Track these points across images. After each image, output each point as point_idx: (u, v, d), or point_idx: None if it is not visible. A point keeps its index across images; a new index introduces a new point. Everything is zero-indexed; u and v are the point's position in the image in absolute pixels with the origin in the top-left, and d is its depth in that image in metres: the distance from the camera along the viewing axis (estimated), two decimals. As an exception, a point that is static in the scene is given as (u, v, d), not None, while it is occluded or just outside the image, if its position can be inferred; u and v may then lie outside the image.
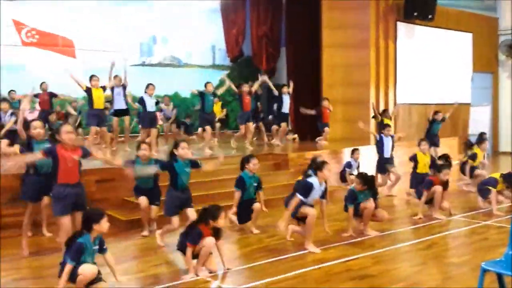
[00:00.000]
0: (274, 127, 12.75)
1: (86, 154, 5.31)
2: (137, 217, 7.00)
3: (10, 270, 5.41)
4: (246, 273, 5.27)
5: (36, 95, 12.08)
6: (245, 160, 7.01)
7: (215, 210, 5.20)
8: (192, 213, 6.07)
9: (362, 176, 6.75)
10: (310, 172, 6.22)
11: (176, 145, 6.10)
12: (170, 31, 17.24)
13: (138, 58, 16.81)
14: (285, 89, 12.50)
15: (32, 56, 14.57)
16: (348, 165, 10.00)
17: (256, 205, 6.95)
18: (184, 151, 6.03)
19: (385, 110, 12.21)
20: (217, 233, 5.27)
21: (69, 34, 15.00)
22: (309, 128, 13.68)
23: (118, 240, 6.52)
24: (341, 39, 13.86)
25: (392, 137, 9.71)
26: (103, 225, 4.54)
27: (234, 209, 6.98)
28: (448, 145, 12.50)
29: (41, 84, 12.35)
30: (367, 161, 10.31)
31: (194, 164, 6.17)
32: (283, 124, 12.46)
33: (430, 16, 14.59)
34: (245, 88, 11.81)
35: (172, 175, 6.05)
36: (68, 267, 4.35)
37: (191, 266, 5.16)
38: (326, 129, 12.52)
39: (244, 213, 6.97)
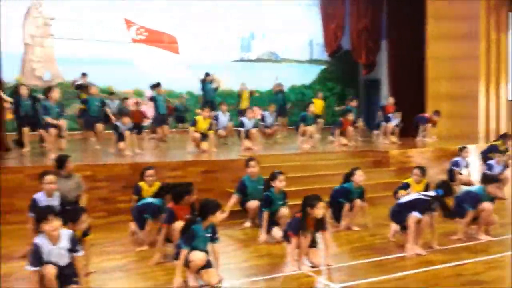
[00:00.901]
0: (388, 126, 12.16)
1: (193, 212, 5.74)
2: (238, 208, 7.15)
3: (126, 252, 5.80)
4: (348, 271, 5.19)
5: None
6: (350, 174, 6.92)
7: (313, 199, 5.20)
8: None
9: (499, 180, 6.46)
10: (437, 192, 5.93)
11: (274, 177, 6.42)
12: (269, 26, 17.39)
13: (238, 54, 17.18)
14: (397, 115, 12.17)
15: (140, 52, 15.43)
16: (456, 163, 9.44)
17: (357, 201, 6.83)
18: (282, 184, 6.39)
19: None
20: (321, 225, 5.25)
21: (173, 31, 15.72)
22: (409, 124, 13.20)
23: (220, 229, 6.68)
24: (448, 31, 13.16)
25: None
26: (217, 217, 4.74)
27: (344, 223, 6.86)
28: None
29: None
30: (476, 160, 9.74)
31: None
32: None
33: (548, 5, 13.38)
34: (350, 117, 11.54)
35: None
36: (183, 251, 4.61)
37: (292, 258, 5.18)
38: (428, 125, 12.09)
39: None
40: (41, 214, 4.34)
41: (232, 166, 8.23)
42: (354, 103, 12.88)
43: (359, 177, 6.80)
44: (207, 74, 12.97)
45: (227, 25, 16.55)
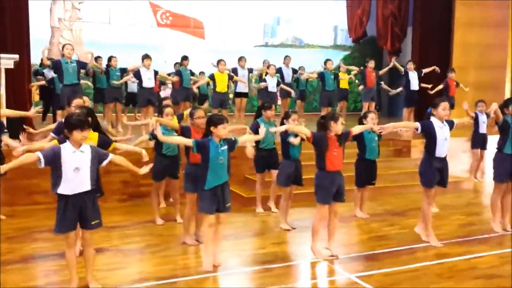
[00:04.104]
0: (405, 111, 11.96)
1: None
2: (251, 195, 7.29)
3: (147, 235, 5.97)
4: (363, 261, 5.24)
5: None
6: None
7: (334, 114, 5.23)
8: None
9: None
10: None
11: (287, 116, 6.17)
12: (294, 11, 17.27)
13: (262, 39, 17.15)
14: (410, 65, 11.76)
15: (165, 37, 15.53)
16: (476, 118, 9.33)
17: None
18: (295, 123, 6.04)
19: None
20: (343, 138, 5.16)
21: (199, 16, 15.77)
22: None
23: (239, 215, 6.83)
24: (477, 18, 12.93)
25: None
26: (220, 130, 4.70)
27: None
28: None
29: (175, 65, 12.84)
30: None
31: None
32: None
33: None
34: (371, 64, 11.65)
35: None
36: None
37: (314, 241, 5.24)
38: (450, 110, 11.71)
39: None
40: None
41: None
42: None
43: (371, 120, 6.62)
44: (184, 58, 11.39)
45: (252, 10, 16.49)
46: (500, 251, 5.50)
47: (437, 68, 11.58)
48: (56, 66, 8.70)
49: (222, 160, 4.73)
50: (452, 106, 11.64)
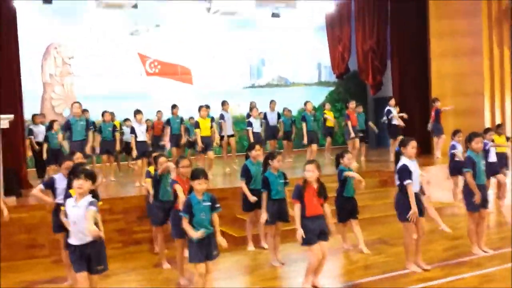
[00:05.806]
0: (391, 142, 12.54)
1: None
2: (242, 235, 7.54)
3: (142, 281, 6.18)
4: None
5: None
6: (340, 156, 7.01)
7: (306, 163, 5.53)
8: None
9: None
10: None
11: (272, 157, 6.46)
12: (278, 52, 17.85)
13: (249, 80, 17.69)
14: (392, 102, 12.64)
15: (154, 85, 16.02)
16: (453, 147, 9.39)
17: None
18: (279, 164, 6.44)
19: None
20: (323, 191, 5.44)
21: (186, 63, 16.34)
22: (419, 141, 13.37)
23: (231, 254, 7.04)
24: (451, 48, 13.47)
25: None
26: (197, 183, 4.91)
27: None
28: None
29: (157, 112, 13.41)
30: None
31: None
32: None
33: (550, 18, 13.59)
34: (351, 105, 12.27)
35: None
36: (184, 219, 4.94)
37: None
38: (443, 136, 12.23)
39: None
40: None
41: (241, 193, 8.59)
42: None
43: (347, 160, 6.91)
44: (173, 106, 11.98)
45: (237, 53, 17.09)
46: (480, 272, 5.75)
47: (405, 115, 12.88)
48: (66, 126, 9.61)
49: (204, 216, 4.94)
50: (441, 131, 12.27)
